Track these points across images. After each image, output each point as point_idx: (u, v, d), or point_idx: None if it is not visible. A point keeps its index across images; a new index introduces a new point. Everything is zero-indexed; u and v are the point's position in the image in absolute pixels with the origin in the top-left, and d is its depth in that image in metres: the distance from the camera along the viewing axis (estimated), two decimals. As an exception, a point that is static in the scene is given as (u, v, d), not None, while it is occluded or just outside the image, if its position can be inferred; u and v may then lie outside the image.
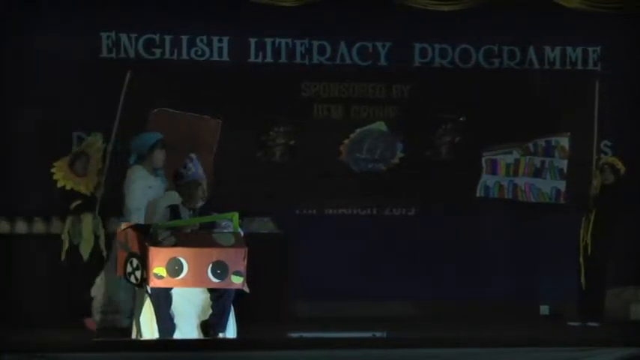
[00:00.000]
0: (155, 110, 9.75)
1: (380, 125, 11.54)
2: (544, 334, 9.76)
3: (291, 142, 11.50)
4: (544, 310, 11.61)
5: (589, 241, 10.83)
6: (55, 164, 10.39)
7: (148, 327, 8.32)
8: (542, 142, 10.83)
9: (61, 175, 10.37)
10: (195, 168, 8.48)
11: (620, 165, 10.93)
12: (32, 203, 10.88)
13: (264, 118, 11.42)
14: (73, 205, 10.33)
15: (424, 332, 9.78)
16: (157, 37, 11.42)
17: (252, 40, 11.57)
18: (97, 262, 10.26)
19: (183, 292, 8.28)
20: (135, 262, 8.20)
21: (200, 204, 8.45)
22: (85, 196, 10.36)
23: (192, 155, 8.54)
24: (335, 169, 11.39)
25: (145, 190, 9.28)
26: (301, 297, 11.08)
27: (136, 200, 9.24)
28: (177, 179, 8.51)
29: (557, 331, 10.42)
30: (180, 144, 9.29)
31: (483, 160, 10.84)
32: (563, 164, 10.79)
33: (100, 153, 10.44)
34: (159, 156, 9.39)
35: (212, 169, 9.31)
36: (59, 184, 10.36)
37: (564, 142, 10.81)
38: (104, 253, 10.28)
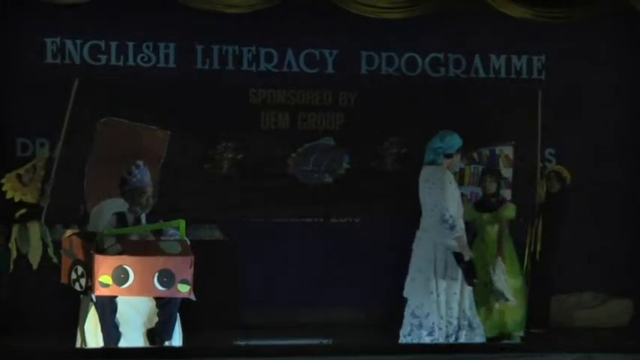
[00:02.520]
0: (103, 120, 9.68)
1: (327, 140, 11.53)
2: (490, 340, 9.80)
3: (239, 157, 11.48)
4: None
5: (535, 249, 10.93)
6: (6, 176, 10.33)
7: (92, 335, 8.26)
8: (486, 152, 10.88)
9: (10, 185, 10.33)
10: (141, 175, 8.43)
11: (565, 173, 11.07)
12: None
13: (211, 125, 11.37)
14: (19, 213, 10.27)
15: (370, 339, 9.80)
16: (102, 43, 11.35)
17: (199, 47, 11.55)
18: (47, 269, 10.21)
19: (128, 300, 8.24)
20: (80, 269, 8.13)
21: (146, 211, 8.41)
22: (30, 204, 10.29)
23: (139, 162, 8.49)
24: (282, 181, 11.36)
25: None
26: (247, 305, 11.06)
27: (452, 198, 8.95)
28: (122, 185, 8.45)
29: (503, 337, 10.47)
30: (128, 154, 9.20)
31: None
32: (508, 173, 10.84)
33: (43, 161, 10.37)
34: (457, 160, 9.23)
35: (159, 179, 9.23)
36: (8, 196, 10.31)
37: (508, 150, 10.87)
38: (54, 260, 10.22)
